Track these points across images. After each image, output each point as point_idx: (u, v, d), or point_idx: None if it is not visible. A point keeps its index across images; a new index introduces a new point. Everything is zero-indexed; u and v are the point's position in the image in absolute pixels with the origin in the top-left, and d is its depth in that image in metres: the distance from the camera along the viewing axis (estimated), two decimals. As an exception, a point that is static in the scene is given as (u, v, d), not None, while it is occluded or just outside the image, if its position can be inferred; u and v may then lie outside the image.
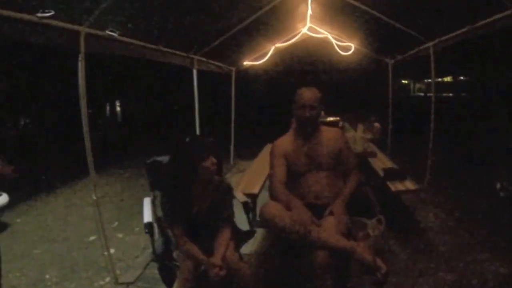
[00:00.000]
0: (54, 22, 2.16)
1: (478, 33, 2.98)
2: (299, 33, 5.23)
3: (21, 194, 4.81)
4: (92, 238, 3.47)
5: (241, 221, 2.24)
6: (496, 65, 10.33)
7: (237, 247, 2.07)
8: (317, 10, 4.23)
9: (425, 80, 19.76)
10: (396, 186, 3.16)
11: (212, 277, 1.74)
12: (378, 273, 1.75)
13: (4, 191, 3.84)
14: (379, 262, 1.76)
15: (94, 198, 2.58)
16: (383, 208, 3.64)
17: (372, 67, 5.96)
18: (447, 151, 6.11)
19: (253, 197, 2.88)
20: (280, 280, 2.30)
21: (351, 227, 2.06)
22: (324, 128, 2.36)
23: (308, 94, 2.23)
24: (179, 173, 1.92)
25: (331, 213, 2.06)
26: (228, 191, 2.05)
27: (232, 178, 5.22)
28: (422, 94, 20.45)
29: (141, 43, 3.17)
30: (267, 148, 4.63)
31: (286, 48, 5.67)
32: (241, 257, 2.03)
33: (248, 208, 2.27)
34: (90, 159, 2.54)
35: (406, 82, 21.24)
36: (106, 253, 2.70)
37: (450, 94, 18.16)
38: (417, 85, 21.89)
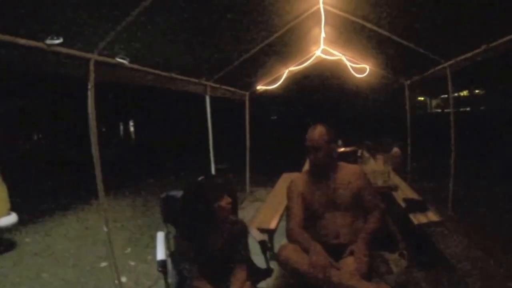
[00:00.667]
0: (63, 50, 2.16)
1: (495, 52, 2.91)
2: (312, 55, 5.21)
3: (31, 213, 4.79)
4: (103, 264, 3.42)
5: (258, 258, 2.16)
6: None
7: (254, 285, 2.00)
8: (331, 32, 4.21)
9: (442, 96, 19.53)
10: (418, 219, 3.01)
11: None
12: None
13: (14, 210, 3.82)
14: None
15: (105, 229, 2.54)
16: (405, 239, 3.51)
17: (388, 89, 5.86)
18: (470, 171, 5.84)
19: (270, 232, 2.80)
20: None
21: (372, 263, 1.96)
22: (342, 165, 2.27)
23: (312, 135, 2.15)
24: (194, 213, 1.89)
25: (351, 253, 1.97)
26: (243, 231, 2.01)
27: (249, 207, 5.12)
28: (439, 110, 20.16)
29: (152, 70, 3.16)
30: (283, 179, 4.56)
31: (300, 72, 5.64)
32: (257, 296, 1.95)
33: (265, 246, 2.19)
34: (100, 184, 2.50)
35: (422, 99, 21.03)
36: (117, 281, 2.63)
37: (468, 109, 17.85)
38: (434, 101, 21.63)
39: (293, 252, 1.96)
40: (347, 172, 2.21)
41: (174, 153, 10.09)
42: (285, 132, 10.22)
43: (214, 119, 4.79)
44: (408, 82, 5.55)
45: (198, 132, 6.02)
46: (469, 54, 3.36)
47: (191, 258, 1.87)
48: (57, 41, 2.04)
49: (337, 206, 2.13)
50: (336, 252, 1.96)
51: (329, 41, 4.66)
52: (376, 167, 3.63)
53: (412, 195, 3.58)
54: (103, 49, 2.41)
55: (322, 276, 1.79)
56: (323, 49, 5.01)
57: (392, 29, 3.60)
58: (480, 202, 4.75)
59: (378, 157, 3.73)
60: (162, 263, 2.01)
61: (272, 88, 5.80)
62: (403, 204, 3.34)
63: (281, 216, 3.18)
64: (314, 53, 5.17)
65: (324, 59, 5.25)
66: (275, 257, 2.05)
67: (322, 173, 2.20)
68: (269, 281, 2.83)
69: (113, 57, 2.60)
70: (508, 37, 2.63)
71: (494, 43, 2.83)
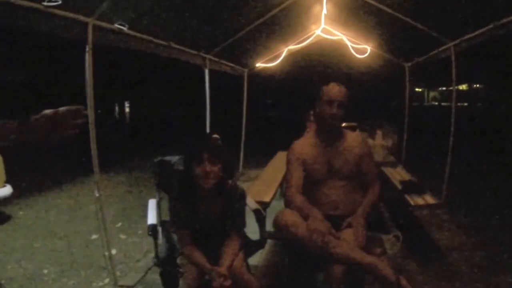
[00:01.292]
0: (61, 12, 2.09)
1: (503, 31, 2.78)
2: (312, 35, 5.09)
3: (25, 187, 4.82)
4: (94, 236, 3.41)
5: (251, 229, 2.09)
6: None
7: (246, 257, 1.94)
8: (333, 10, 4.08)
9: (440, 88, 19.41)
10: (415, 200, 2.96)
11: (216, 287, 1.61)
12: None
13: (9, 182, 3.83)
14: (403, 281, 1.60)
15: (97, 195, 2.50)
16: (397, 224, 3.48)
17: (388, 71, 5.77)
18: (464, 164, 5.83)
19: (264, 205, 2.71)
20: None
21: (368, 240, 1.90)
22: (346, 132, 2.18)
23: (337, 88, 2.04)
24: (186, 176, 1.80)
25: (349, 225, 1.91)
26: (241, 198, 1.90)
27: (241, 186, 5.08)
28: (436, 103, 20.08)
29: (151, 38, 3.08)
30: (280, 155, 4.49)
31: (300, 51, 5.53)
32: (249, 268, 1.90)
33: (260, 216, 2.13)
34: (94, 155, 2.47)
35: (420, 90, 20.93)
36: (107, 253, 2.61)
37: (465, 104, 17.78)
38: (431, 94, 21.56)
39: (291, 217, 1.88)
40: (351, 140, 2.13)
41: (170, 133, 10.01)
42: (283, 112, 10.17)
43: (212, 97, 4.71)
44: (409, 64, 5.45)
45: (194, 115, 5.94)
46: (476, 33, 3.22)
47: (183, 224, 1.80)
48: (54, 4, 1.99)
49: (338, 173, 2.05)
50: (334, 223, 1.89)
51: (331, 19, 4.53)
52: (375, 142, 3.58)
53: (408, 177, 3.55)
54: (101, 14, 2.35)
55: (320, 242, 1.72)
56: (324, 28, 4.89)
57: (395, 6, 3.47)
58: (473, 192, 4.74)
59: (378, 133, 3.68)
60: (153, 227, 1.97)
61: (271, 66, 5.68)
62: (399, 186, 3.29)
63: (277, 190, 3.13)
64: (314, 32, 5.05)
65: (325, 39, 5.13)
66: (272, 222, 1.99)
67: (329, 137, 2.10)
68: (261, 256, 2.83)
69: (112, 23, 2.53)
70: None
71: (504, 20, 2.70)
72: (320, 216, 1.85)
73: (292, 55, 5.60)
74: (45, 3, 1.97)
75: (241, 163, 6.21)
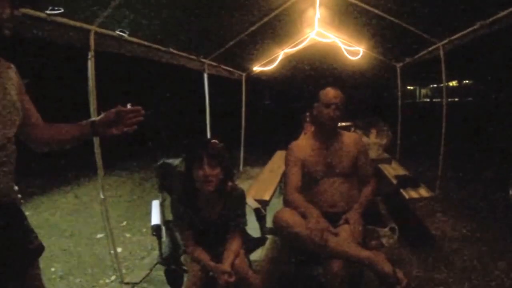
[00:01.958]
0: (64, 20, 2.17)
1: (490, 30, 2.89)
2: (307, 38, 5.22)
3: (30, 187, 4.89)
4: (99, 235, 3.48)
5: (252, 227, 2.19)
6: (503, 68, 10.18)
7: (247, 254, 2.02)
8: (325, 13, 4.21)
9: (431, 86, 19.66)
10: (410, 194, 3.08)
11: (220, 283, 1.69)
12: (398, 286, 1.65)
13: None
14: (399, 274, 1.67)
15: (102, 197, 2.59)
16: (393, 217, 3.59)
17: (380, 72, 5.91)
18: (458, 158, 5.96)
19: (264, 204, 2.80)
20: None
21: (364, 234, 2.00)
22: (342, 133, 2.29)
23: (333, 92, 2.16)
24: (187, 179, 1.87)
25: (346, 222, 2.00)
26: (241, 198, 1.98)
27: (241, 185, 5.16)
28: (428, 100, 20.37)
29: (151, 44, 3.18)
30: (278, 154, 4.59)
31: (295, 54, 5.66)
32: (250, 264, 1.97)
33: (260, 214, 2.21)
34: (98, 157, 2.53)
35: (411, 88, 21.19)
36: (112, 251, 2.68)
37: (456, 99, 18.02)
38: (423, 91, 21.83)
39: (290, 216, 1.95)
40: (347, 140, 2.24)
41: (173, 135, 10.11)
42: (278, 116, 10.24)
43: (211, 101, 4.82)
44: (400, 64, 5.61)
45: (194, 119, 6.02)
46: (463, 32, 3.34)
47: (186, 223, 1.87)
48: (57, 12, 2.07)
49: (336, 172, 2.14)
50: (331, 220, 1.97)
51: (324, 22, 4.65)
52: (370, 140, 3.71)
53: (403, 172, 3.66)
54: (103, 21, 2.43)
55: (319, 240, 1.78)
56: (318, 31, 5.01)
57: (385, 8, 3.59)
58: (466, 185, 4.85)
59: (372, 131, 3.80)
60: (156, 227, 2.02)
61: (268, 70, 5.81)
62: (394, 181, 3.41)
63: (276, 189, 3.21)
64: (308, 36, 5.18)
65: (319, 42, 5.26)
66: (272, 221, 2.06)
67: (327, 137, 2.20)
68: (262, 252, 2.91)
69: (113, 30, 2.62)
70: (504, 12, 2.60)
71: (489, 20, 2.81)
72: (318, 215, 1.92)
73: (288, 58, 5.73)
74: (48, 12, 2.04)
75: (241, 163, 6.36)
